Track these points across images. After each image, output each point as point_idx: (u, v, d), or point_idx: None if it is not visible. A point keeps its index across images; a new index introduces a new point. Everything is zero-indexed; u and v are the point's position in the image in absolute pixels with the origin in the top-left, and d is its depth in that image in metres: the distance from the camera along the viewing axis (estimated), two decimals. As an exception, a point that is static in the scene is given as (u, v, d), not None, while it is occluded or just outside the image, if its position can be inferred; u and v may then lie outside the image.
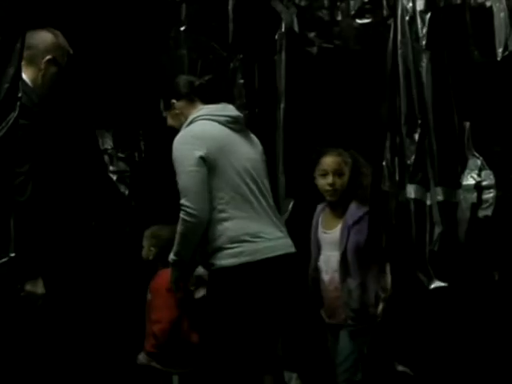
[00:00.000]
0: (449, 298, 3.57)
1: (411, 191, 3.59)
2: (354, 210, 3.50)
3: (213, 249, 3.00)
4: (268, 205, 3.16)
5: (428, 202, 3.52)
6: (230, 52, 4.32)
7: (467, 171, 3.54)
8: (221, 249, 2.98)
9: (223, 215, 2.99)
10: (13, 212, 2.59)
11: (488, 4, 3.41)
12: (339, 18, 4.10)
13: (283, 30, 4.20)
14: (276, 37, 4.21)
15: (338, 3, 4.10)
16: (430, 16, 3.48)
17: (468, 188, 3.53)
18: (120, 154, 4.53)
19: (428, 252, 3.56)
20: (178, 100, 3.26)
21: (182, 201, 2.98)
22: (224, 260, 2.97)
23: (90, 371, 4.02)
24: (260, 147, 3.35)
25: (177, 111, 3.27)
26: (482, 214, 3.48)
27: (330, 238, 3.58)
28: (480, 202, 3.49)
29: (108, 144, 4.52)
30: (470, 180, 3.53)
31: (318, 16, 4.14)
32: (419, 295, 3.57)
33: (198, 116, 3.16)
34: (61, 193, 3.92)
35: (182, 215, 2.99)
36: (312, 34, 4.15)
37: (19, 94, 2.58)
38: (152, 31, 4.36)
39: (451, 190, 3.58)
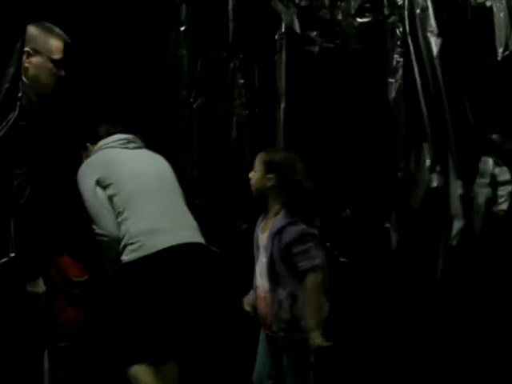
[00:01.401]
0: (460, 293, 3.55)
1: (434, 180, 3.55)
2: (280, 219, 3.28)
3: (121, 247, 3.35)
4: (172, 203, 3.50)
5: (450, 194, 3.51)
6: (229, 52, 4.32)
7: (481, 167, 3.54)
8: (125, 246, 3.33)
9: (124, 217, 3.37)
10: (13, 213, 2.59)
11: (488, 4, 3.41)
12: (340, 17, 4.09)
13: (283, 30, 4.20)
14: (276, 37, 4.21)
15: (339, 3, 4.10)
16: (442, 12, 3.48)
17: (483, 184, 3.53)
18: (120, 154, 4.53)
19: (444, 247, 3.54)
20: (92, 144, 3.70)
21: (93, 225, 3.43)
22: (127, 255, 3.31)
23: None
24: (160, 158, 3.72)
25: (89, 154, 3.69)
26: (497, 208, 3.47)
27: (262, 241, 3.39)
28: (495, 197, 3.49)
29: (108, 144, 4.51)
30: (484, 176, 3.53)
31: (318, 15, 4.14)
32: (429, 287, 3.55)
33: (96, 149, 3.64)
34: (60, 193, 3.91)
35: (96, 237, 3.43)
36: (313, 34, 4.14)
37: (19, 94, 2.58)
38: (152, 31, 4.36)
39: (470, 184, 3.57)
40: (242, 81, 4.31)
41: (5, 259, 2.54)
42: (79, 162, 3.78)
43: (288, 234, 3.21)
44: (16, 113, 2.55)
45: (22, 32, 2.63)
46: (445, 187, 3.63)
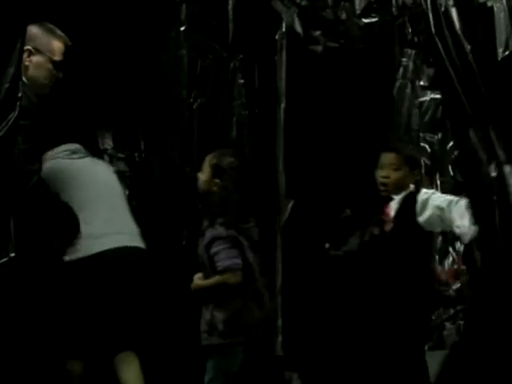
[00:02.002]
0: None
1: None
2: (206, 220, 3.36)
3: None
4: (116, 208, 3.62)
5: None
6: (229, 52, 4.33)
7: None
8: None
9: None
10: (13, 213, 2.60)
11: (489, 4, 3.40)
12: (343, 17, 4.10)
13: (284, 29, 4.21)
14: (276, 37, 4.21)
15: (342, 2, 4.10)
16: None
17: None
18: (120, 154, 4.53)
19: None
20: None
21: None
22: (68, 255, 3.48)
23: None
24: (104, 165, 3.88)
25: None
26: None
27: None
28: None
29: (108, 144, 4.52)
30: None
31: (321, 15, 4.14)
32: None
33: (46, 159, 3.62)
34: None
35: None
36: (317, 33, 4.15)
37: (19, 94, 2.58)
38: (152, 31, 4.36)
39: None
40: (242, 81, 4.32)
41: (5, 259, 2.54)
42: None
43: (206, 235, 3.26)
44: (16, 113, 2.55)
45: (22, 32, 2.63)
46: None
